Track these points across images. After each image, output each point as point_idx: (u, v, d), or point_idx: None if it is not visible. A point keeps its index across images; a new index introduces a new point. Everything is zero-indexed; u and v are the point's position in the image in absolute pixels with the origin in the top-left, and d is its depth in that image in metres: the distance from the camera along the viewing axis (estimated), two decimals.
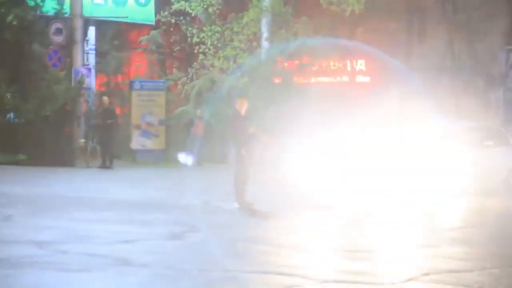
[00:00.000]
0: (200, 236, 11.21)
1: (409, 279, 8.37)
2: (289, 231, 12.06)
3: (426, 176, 14.50)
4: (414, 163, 14.40)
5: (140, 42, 32.44)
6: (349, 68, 33.54)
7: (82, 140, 24.95)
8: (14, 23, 26.46)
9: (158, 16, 29.98)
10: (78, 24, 27.25)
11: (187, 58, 35.76)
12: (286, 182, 17.46)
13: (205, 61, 29.73)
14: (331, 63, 30.39)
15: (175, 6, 29.34)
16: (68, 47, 27.10)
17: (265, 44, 29.07)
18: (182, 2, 29.30)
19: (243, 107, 14.75)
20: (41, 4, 26.97)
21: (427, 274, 8.67)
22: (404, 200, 14.67)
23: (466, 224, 13.65)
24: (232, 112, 15.22)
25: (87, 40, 27.89)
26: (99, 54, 29.63)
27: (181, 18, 29.85)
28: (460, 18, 32.35)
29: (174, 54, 35.68)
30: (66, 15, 27.34)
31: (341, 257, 9.81)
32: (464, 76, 31.37)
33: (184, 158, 25.99)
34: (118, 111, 27.72)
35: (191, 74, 30.74)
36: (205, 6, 29.26)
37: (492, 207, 15.93)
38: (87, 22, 27.87)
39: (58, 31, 26.72)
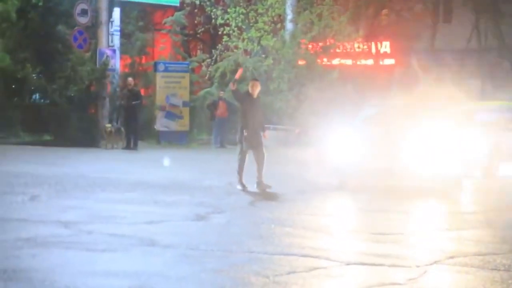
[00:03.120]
0: (224, 217, 11.24)
1: (434, 262, 8.35)
2: (313, 213, 12.07)
3: (448, 159, 14.41)
4: (435, 146, 14.32)
5: (165, 23, 32.45)
6: (373, 50, 33.39)
7: (109, 125, 25.06)
8: (40, 3, 26.58)
9: None
10: (103, 5, 27.30)
11: (211, 39, 35.78)
12: (313, 164, 17.47)
13: (229, 43, 29.71)
14: (356, 45, 30.25)
15: None
16: (93, 28, 27.20)
17: (289, 25, 29.00)
18: None
19: (255, 89, 14.81)
20: None
21: (452, 257, 8.64)
22: (426, 182, 14.60)
23: (490, 207, 13.58)
24: (242, 93, 15.23)
25: (112, 21, 27.92)
26: (124, 35, 29.67)
27: None
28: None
29: (198, 35, 35.70)
30: None
31: (365, 239, 9.80)
32: (490, 58, 31.13)
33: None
34: (142, 92, 27.80)
35: (215, 56, 30.74)
36: None
37: None
38: (112, 3, 27.89)
39: (83, 12, 26.80)
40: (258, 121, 14.78)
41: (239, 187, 14.57)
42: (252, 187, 14.53)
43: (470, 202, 14.85)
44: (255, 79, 15.68)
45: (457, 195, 14.60)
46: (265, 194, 14.06)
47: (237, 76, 15.30)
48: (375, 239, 9.78)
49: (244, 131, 14.58)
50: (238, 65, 29.28)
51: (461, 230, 10.74)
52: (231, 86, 15.31)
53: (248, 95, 14.85)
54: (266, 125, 15.41)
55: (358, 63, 30.23)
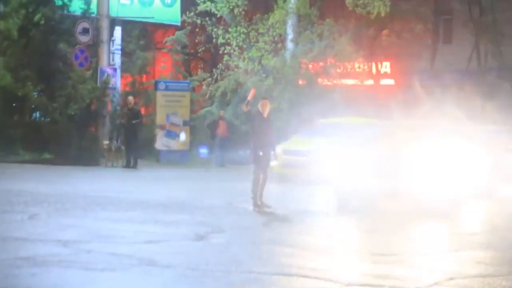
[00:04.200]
0: (224, 237, 11.21)
1: (434, 283, 8.33)
2: (313, 234, 12.05)
3: (449, 179, 14.40)
4: (436, 166, 14.30)
5: (166, 42, 32.54)
6: (374, 70, 33.46)
7: (106, 142, 25.08)
8: (41, 22, 26.66)
9: (183, 17, 30.08)
10: (105, 24, 27.41)
11: (212, 59, 35.86)
12: (316, 184, 17.44)
13: (230, 62, 29.79)
14: (356, 65, 30.31)
15: (201, 7, 29.44)
16: (94, 46, 27.28)
17: (290, 45, 29.08)
18: (208, 3, 29.39)
19: (266, 108, 14.76)
20: (68, 3, 27.15)
21: (452, 279, 8.62)
22: (426, 203, 14.55)
23: (490, 228, 13.55)
24: (253, 112, 15.21)
25: (113, 40, 28.03)
26: (125, 54, 29.76)
27: (207, 18, 29.94)
28: (487, 20, 32.16)
29: (199, 54, 35.80)
30: (92, 15, 27.53)
31: (365, 260, 9.78)
32: (490, 78, 31.16)
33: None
34: (142, 111, 27.82)
35: (215, 75, 30.81)
36: (231, 7, 29.33)
37: None
38: (113, 22, 28.02)
39: (85, 31, 26.88)
40: (270, 140, 14.75)
41: (252, 207, 14.42)
42: (250, 207, 14.49)
43: (471, 223, 14.81)
44: (265, 98, 15.57)
45: (457, 216, 14.56)
46: (265, 214, 14.03)
47: (250, 97, 15.24)
48: (375, 260, 9.76)
49: (259, 151, 14.52)
50: (238, 84, 29.37)
51: (462, 251, 10.71)
52: (244, 108, 15.37)
53: (259, 114, 14.78)
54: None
55: (359, 83, 30.29)
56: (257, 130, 14.63)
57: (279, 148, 19.80)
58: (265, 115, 14.72)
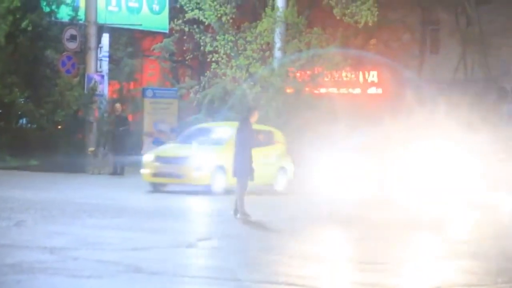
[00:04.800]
0: (211, 245, 11.20)
1: None
2: (301, 242, 12.03)
3: (439, 188, 14.44)
4: (427, 175, 14.34)
5: (153, 49, 32.51)
6: (361, 79, 33.54)
7: (92, 149, 25.02)
8: (29, 28, 26.58)
9: (171, 24, 30.06)
10: (92, 31, 27.36)
11: (200, 66, 35.82)
12: (306, 193, 17.45)
13: (217, 70, 29.77)
14: (343, 74, 30.36)
15: (189, 15, 29.41)
16: (81, 53, 27.22)
17: (277, 54, 29.09)
18: (196, 11, 29.37)
19: (255, 119, 14.71)
20: (56, 10, 27.09)
21: (439, 287, 8.64)
22: (416, 212, 14.59)
23: (478, 236, 13.58)
24: (244, 122, 15.02)
25: (101, 47, 27.97)
26: (113, 61, 29.71)
27: (195, 26, 29.92)
28: (473, 31, 32.33)
29: (186, 62, 35.74)
30: (80, 22, 27.47)
31: (353, 268, 9.79)
32: (477, 89, 31.30)
33: None
34: (130, 118, 27.78)
35: (203, 83, 30.79)
36: (219, 15, 29.32)
37: (505, 220, 15.81)
38: (101, 29, 27.97)
39: (72, 38, 26.83)
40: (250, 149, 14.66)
41: (241, 216, 14.28)
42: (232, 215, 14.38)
43: (459, 231, 14.82)
44: (256, 108, 15.52)
45: (448, 225, 14.56)
46: (252, 223, 14.01)
47: (254, 119, 14.98)
48: (363, 268, 9.76)
49: (252, 163, 14.36)
50: (226, 91, 29.35)
51: (451, 260, 10.71)
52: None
53: (249, 124, 14.66)
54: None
55: (346, 91, 30.36)
56: (251, 141, 14.48)
57: (150, 155, 19.62)
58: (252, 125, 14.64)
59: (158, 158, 19.30)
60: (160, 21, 30.42)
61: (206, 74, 30.79)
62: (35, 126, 27.10)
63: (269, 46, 29.39)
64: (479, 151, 18.35)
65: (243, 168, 14.30)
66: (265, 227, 13.67)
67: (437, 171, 14.53)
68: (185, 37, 31.08)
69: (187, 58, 33.43)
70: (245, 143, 14.40)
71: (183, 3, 29.14)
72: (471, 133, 20.45)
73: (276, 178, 20.12)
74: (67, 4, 27.24)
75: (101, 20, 27.91)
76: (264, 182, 18.81)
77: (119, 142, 24.56)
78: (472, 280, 9.26)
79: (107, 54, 28.34)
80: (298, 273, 9.12)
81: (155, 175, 19.14)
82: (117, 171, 24.25)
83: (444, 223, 14.55)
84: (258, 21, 29.22)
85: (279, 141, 21.07)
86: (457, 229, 14.65)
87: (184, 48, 32.55)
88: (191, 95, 31.85)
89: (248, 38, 29.25)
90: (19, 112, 27.47)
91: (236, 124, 15.35)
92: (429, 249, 12.09)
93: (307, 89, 28.86)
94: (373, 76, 33.98)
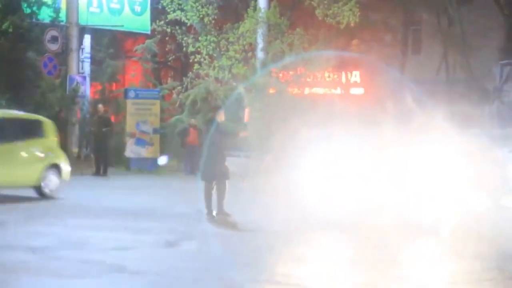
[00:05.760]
0: (194, 244, 11.20)
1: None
2: (285, 242, 11.99)
3: (434, 189, 14.20)
4: (420, 176, 14.12)
5: (135, 51, 32.44)
6: (343, 79, 33.64)
7: (75, 150, 24.96)
8: (10, 30, 26.44)
9: (153, 25, 30.02)
10: (74, 32, 27.29)
11: (182, 67, 35.82)
12: (284, 194, 17.33)
13: (200, 71, 29.76)
14: (326, 75, 30.42)
15: (171, 16, 29.39)
16: (63, 55, 27.13)
17: (260, 54, 29.12)
18: (178, 12, 29.35)
19: (222, 118, 14.77)
20: (37, 11, 26.96)
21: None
22: (410, 212, 14.33)
23: (477, 237, 13.35)
24: (217, 124, 14.77)
25: (83, 48, 27.90)
26: (94, 62, 29.64)
27: (177, 27, 29.90)
28: (455, 32, 32.49)
29: (169, 63, 35.75)
30: (61, 23, 27.37)
31: (347, 268, 9.76)
32: (459, 89, 31.46)
33: (163, 160, 26.20)
34: (112, 119, 27.71)
35: (186, 84, 30.77)
36: (201, 16, 29.32)
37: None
38: (82, 30, 27.90)
39: (54, 39, 26.74)
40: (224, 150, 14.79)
41: (217, 215, 14.27)
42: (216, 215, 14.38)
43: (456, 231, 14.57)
44: (222, 109, 15.61)
45: (450, 229, 14.14)
46: (235, 223, 13.99)
47: (246, 118, 15.02)
48: (357, 269, 9.74)
49: (226, 164, 14.44)
50: (208, 92, 29.32)
51: (445, 261, 10.59)
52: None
53: (220, 125, 14.73)
54: (235, 153, 15.41)
55: (329, 92, 30.43)
56: (222, 141, 14.58)
57: None
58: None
59: None
60: (142, 22, 30.38)
61: (188, 75, 30.78)
62: None
63: (252, 46, 29.42)
64: (476, 150, 18.04)
65: (220, 170, 14.39)
66: (249, 227, 13.60)
67: (432, 173, 14.28)
68: (167, 38, 31.06)
69: (169, 59, 33.44)
70: (219, 144, 14.46)
71: (165, 4, 29.12)
72: (459, 134, 20.35)
73: (44, 179, 16.74)
74: (48, 6, 27.12)
75: (82, 22, 27.83)
76: (25, 182, 16.37)
77: (102, 142, 24.50)
78: (468, 278, 9.17)
79: (89, 55, 28.26)
80: (282, 272, 9.14)
81: None
82: (100, 172, 24.19)
83: (442, 223, 14.06)
84: (240, 22, 29.25)
85: (50, 134, 17.70)
86: (452, 229, 14.32)
87: (167, 49, 32.52)
88: (174, 95, 31.83)
89: (231, 39, 29.26)
90: None
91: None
92: (425, 250, 11.68)
93: (290, 89, 28.92)
94: (355, 76, 34.09)
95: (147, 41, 31.38)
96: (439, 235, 12.84)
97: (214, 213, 14.35)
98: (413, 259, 10.71)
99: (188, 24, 29.85)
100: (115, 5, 29.76)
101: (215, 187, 14.46)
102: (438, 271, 9.73)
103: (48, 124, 17.87)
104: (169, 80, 37.62)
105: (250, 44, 29.32)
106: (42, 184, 16.63)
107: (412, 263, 10.34)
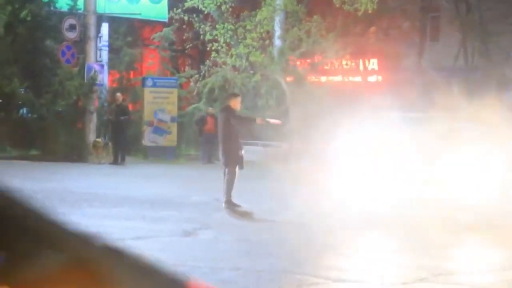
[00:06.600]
0: (211, 234, 11.22)
1: (421, 279, 8.35)
2: (301, 231, 12.01)
3: (448, 180, 13.97)
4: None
5: (153, 39, 32.48)
6: (361, 67, 33.52)
7: (98, 140, 25.08)
8: (28, 18, 26.55)
9: (171, 13, 30.01)
10: (92, 20, 27.31)
11: (200, 55, 35.82)
12: (304, 183, 17.20)
13: (217, 59, 29.75)
14: (343, 62, 30.34)
15: (188, 4, 29.38)
16: (81, 43, 27.19)
17: (277, 42, 29.08)
18: (195, 0, 29.33)
19: (237, 106, 14.50)
20: (55, 0, 27.04)
21: (440, 275, 8.64)
22: (420, 202, 14.21)
23: (480, 225, 13.38)
24: (227, 109, 14.57)
25: (100, 37, 27.94)
26: (112, 50, 29.69)
27: (194, 15, 29.89)
28: (473, 18, 32.26)
29: (186, 51, 35.74)
30: (79, 11, 27.42)
31: (352, 257, 9.78)
32: (477, 76, 31.26)
33: None
34: (130, 107, 27.78)
35: (203, 72, 30.77)
36: (218, 3, 29.30)
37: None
38: (100, 18, 27.92)
39: (72, 27, 26.80)
40: (237, 137, 14.44)
41: (229, 206, 14.15)
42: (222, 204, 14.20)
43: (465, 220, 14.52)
44: (238, 95, 15.42)
45: (456, 214, 13.87)
46: (252, 212, 13.98)
47: (236, 106, 14.72)
48: (362, 257, 9.77)
49: (241, 151, 14.27)
50: (226, 80, 29.33)
51: (453, 249, 10.62)
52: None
53: (234, 111, 14.39)
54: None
55: (346, 80, 30.34)
56: (234, 127, 14.29)
57: None
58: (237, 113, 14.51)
59: None
60: (159, 10, 30.37)
61: (206, 63, 30.78)
62: (35, 116, 27.12)
63: (269, 34, 29.38)
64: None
65: (231, 157, 14.25)
66: (265, 216, 13.59)
67: (446, 161, 14.01)
68: (184, 26, 31.06)
69: (186, 47, 33.41)
70: (232, 131, 14.22)
71: None
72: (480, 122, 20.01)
73: None
74: None
75: (100, 10, 27.85)
76: None
77: (120, 131, 24.59)
78: (474, 268, 9.23)
79: (106, 43, 28.31)
80: (298, 262, 9.13)
81: None
82: (118, 161, 24.27)
83: (453, 213, 13.83)
84: (257, 10, 29.19)
85: None
86: (461, 218, 14.20)
87: (184, 37, 32.53)
88: (191, 84, 31.85)
89: (248, 27, 29.22)
90: (19, 102, 27.49)
91: None
92: (433, 238, 11.52)
93: (307, 77, 28.86)
94: (373, 64, 33.95)
95: (165, 29, 31.40)
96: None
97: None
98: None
99: (206, 12, 29.84)
100: None
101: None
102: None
103: None
104: (187, 68, 37.64)
105: (268, 31, 29.28)
106: None
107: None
